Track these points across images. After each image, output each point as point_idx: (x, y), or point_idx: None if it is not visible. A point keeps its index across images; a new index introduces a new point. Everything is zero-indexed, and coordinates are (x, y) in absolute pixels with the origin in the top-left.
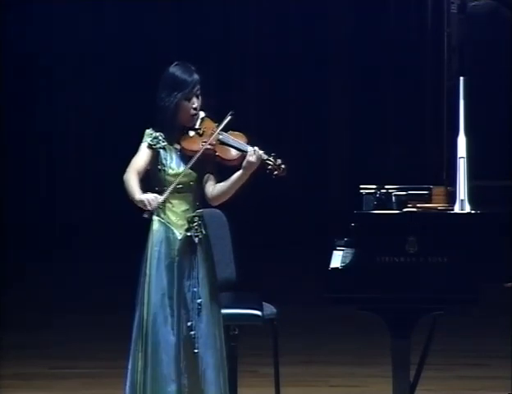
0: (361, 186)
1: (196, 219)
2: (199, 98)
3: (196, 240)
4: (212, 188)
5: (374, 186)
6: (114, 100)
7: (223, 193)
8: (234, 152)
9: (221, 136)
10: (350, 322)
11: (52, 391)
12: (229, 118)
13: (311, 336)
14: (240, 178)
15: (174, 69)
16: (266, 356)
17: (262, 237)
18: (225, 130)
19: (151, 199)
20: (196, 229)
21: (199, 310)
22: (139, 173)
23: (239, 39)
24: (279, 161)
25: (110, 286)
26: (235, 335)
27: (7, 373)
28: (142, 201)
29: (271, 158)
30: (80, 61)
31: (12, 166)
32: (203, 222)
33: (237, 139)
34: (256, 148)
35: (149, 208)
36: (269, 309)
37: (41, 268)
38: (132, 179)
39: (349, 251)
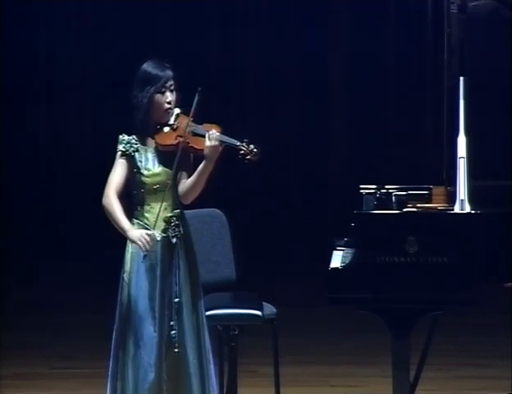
0: (361, 186)
1: (173, 219)
2: (174, 93)
3: (174, 240)
4: (183, 186)
5: (374, 186)
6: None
7: (192, 187)
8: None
9: (193, 127)
10: (350, 322)
11: (52, 391)
12: (196, 99)
13: (311, 336)
14: (204, 168)
15: (146, 65)
16: (266, 356)
17: (263, 237)
18: (199, 123)
19: (146, 241)
20: (174, 229)
21: (178, 310)
22: (118, 191)
23: (239, 39)
24: (251, 146)
25: (110, 286)
26: (235, 335)
27: (8, 373)
28: (136, 243)
29: (244, 144)
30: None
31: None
32: (182, 221)
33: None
34: (213, 131)
35: (145, 250)
36: (269, 309)
37: (41, 268)
38: (114, 205)
39: (349, 251)
